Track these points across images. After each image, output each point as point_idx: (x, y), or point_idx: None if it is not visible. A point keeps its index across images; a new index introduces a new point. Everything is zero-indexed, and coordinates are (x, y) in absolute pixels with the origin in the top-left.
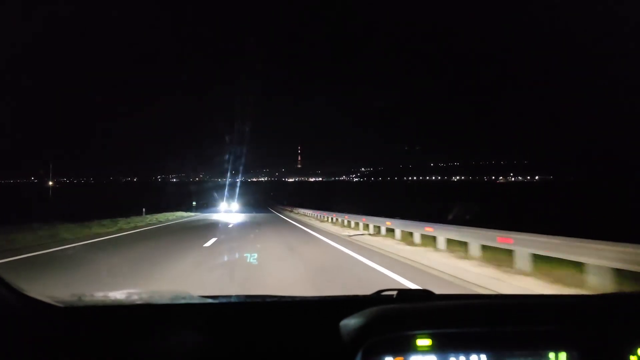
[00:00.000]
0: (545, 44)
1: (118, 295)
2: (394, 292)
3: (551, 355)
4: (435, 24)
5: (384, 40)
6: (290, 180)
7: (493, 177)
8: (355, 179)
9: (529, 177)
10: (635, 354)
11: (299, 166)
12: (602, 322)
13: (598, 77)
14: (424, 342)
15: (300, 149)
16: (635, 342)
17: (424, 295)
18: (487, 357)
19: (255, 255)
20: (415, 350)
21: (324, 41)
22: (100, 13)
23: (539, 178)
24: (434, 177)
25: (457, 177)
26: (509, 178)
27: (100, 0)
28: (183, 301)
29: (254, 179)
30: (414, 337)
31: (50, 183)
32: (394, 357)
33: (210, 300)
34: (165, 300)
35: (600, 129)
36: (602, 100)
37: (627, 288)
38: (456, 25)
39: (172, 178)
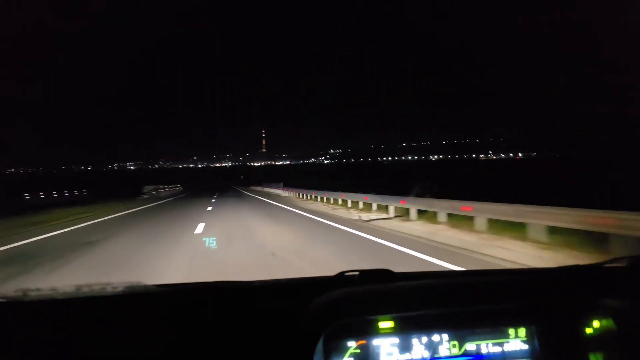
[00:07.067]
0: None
1: (67, 288)
2: (356, 273)
3: (511, 331)
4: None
5: (343, 19)
6: (257, 164)
7: (474, 155)
8: (326, 162)
9: (511, 155)
10: (590, 325)
11: (264, 150)
12: (559, 295)
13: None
14: (386, 324)
15: (264, 133)
16: (590, 314)
17: (385, 275)
18: (448, 336)
19: None
20: (377, 332)
21: (284, 19)
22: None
23: (522, 155)
24: (409, 157)
25: (435, 157)
26: (489, 156)
27: None
28: (137, 291)
29: (217, 165)
30: (376, 320)
31: None
32: (356, 341)
33: (165, 289)
34: (117, 291)
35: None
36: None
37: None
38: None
39: (130, 165)
